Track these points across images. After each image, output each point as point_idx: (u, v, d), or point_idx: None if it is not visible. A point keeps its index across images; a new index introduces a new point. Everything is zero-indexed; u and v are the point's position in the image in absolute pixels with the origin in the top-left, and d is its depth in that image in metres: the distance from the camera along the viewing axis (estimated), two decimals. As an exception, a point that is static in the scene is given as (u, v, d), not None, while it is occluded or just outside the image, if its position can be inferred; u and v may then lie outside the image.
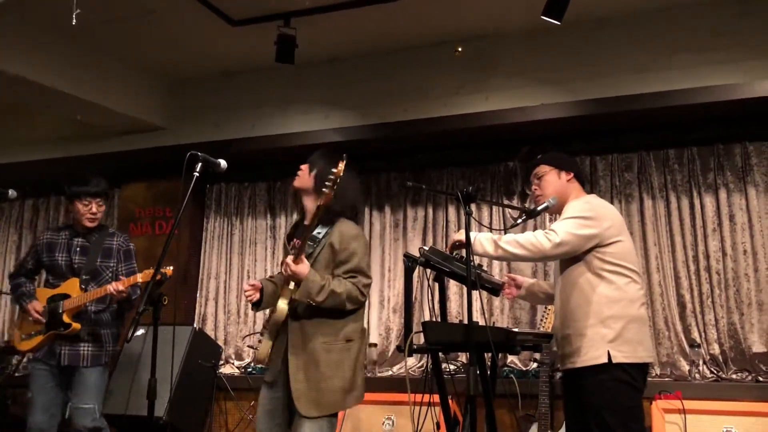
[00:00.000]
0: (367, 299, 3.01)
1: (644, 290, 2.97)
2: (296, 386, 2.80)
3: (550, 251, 2.83)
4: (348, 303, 2.85)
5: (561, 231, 2.83)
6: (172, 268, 3.37)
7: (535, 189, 3.15)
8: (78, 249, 3.71)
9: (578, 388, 2.82)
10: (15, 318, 3.81)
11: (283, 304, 2.82)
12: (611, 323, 2.76)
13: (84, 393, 3.55)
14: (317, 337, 2.83)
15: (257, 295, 2.98)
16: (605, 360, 2.71)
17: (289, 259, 2.78)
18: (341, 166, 2.66)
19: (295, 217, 3.30)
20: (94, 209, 3.69)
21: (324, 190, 2.70)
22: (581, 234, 2.82)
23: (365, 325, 3.05)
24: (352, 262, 2.89)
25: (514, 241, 2.86)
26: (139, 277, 3.46)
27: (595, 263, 2.83)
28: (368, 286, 2.94)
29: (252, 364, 5.15)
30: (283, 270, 2.83)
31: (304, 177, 3.00)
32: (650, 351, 2.90)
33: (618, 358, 2.72)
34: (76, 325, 3.55)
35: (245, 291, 3.01)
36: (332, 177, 2.67)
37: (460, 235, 2.95)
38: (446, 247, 4.84)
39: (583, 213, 2.87)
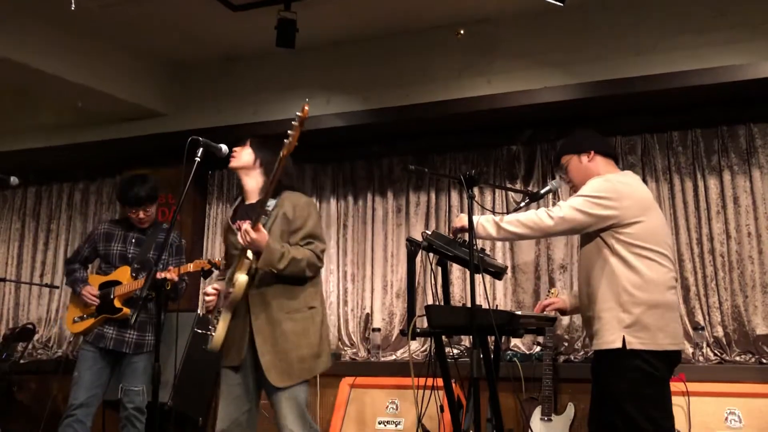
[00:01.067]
0: (324, 265, 3.03)
1: (674, 273, 2.80)
2: (265, 358, 2.79)
3: (553, 228, 2.76)
4: (307, 270, 2.87)
5: (566, 207, 2.76)
6: (220, 259, 3.53)
7: (568, 181, 3.07)
8: (133, 241, 3.94)
9: (598, 371, 2.77)
10: (68, 302, 4.07)
11: (242, 277, 2.79)
12: (630, 308, 2.64)
13: (133, 377, 3.80)
14: (280, 307, 2.83)
15: (214, 302, 2.93)
16: (619, 345, 2.62)
17: (247, 225, 2.75)
18: (307, 108, 2.59)
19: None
20: (141, 215, 3.92)
21: (289, 132, 2.63)
22: (590, 212, 2.72)
23: (324, 295, 3.10)
24: (307, 228, 2.91)
25: (516, 221, 2.81)
26: (190, 267, 3.66)
27: (614, 244, 2.71)
28: (324, 251, 2.95)
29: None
30: (240, 239, 2.78)
31: (242, 156, 3.01)
32: (675, 338, 2.71)
33: (633, 344, 2.61)
34: (126, 310, 3.77)
35: (208, 295, 2.93)
36: (299, 117, 2.59)
37: (461, 221, 2.93)
38: (449, 232, 4.84)
39: (596, 192, 2.76)
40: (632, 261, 2.68)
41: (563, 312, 3.22)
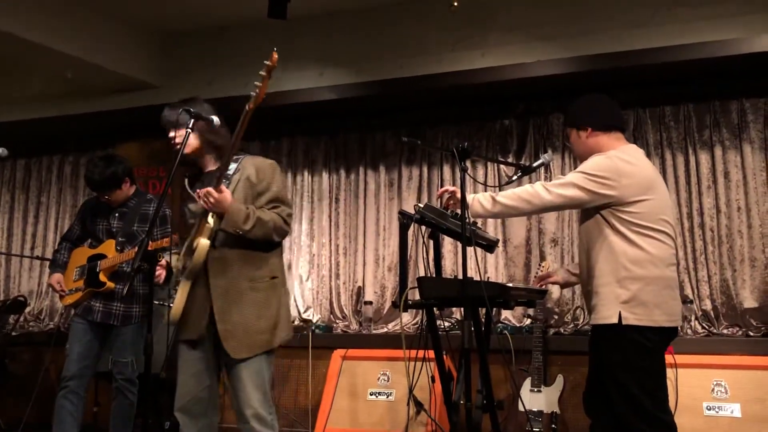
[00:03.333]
0: (290, 232, 2.89)
1: (674, 250, 2.76)
2: (224, 327, 2.63)
3: (551, 202, 2.73)
4: (274, 233, 2.71)
5: (565, 182, 2.73)
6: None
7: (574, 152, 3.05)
8: (116, 215, 3.90)
9: (595, 345, 2.77)
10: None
11: (204, 241, 2.63)
12: (627, 284, 2.63)
13: (123, 348, 3.80)
14: (241, 275, 2.68)
15: (164, 273, 2.89)
16: (615, 321, 2.62)
17: (207, 188, 2.60)
18: (276, 56, 2.44)
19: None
20: (107, 197, 3.87)
21: (256, 84, 2.48)
22: (588, 188, 2.68)
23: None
24: (272, 192, 2.76)
25: (512, 194, 2.78)
26: (164, 242, 3.56)
27: (613, 222, 2.69)
28: (291, 216, 2.80)
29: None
30: (202, 202, 2.62)
31: (189, 141, 2.77)
32: (672, 315, 2.69)
33: (629, 320, 2.61)
34: (111, 284, 3.77)
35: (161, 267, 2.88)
36: (267, 65, 2.45)
37: (453, 187, 2.91)
38: (441, 204, 4.85)
39: (596, 171, 2.70)
40: (632, 237, 2.66)
41: (560, 285, 3.23)
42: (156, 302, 2.91)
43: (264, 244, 2.74)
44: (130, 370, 3.79)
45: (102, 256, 3.83)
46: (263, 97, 2.51)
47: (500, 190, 4.82)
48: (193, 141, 2.81)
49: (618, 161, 2.73)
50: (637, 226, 2.67)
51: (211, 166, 2.87)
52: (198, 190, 2.69)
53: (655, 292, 2.65)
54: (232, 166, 2.77)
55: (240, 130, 2.59)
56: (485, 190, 4.91)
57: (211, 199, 2.59)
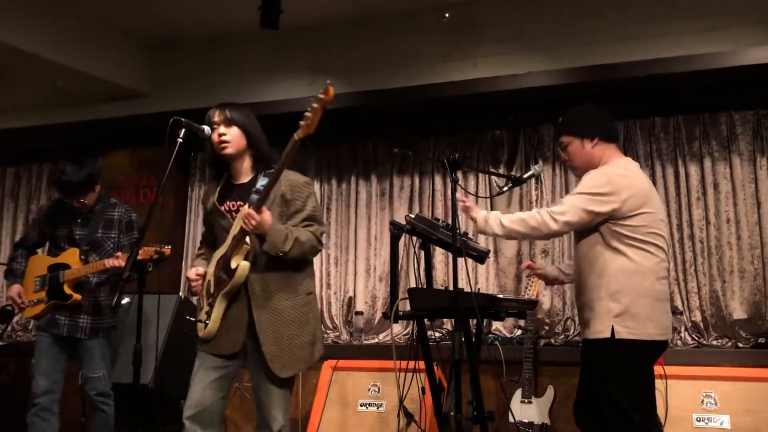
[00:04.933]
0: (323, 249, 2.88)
1: (666, 263, 2.77)
2: (268, 348, 2.65)
3: (557, 231, 2.75)
4: (309, 253, 2.73)
5: (568, 206, 2.72)
6: (170, 247, 3.35)
7: (565, 159, 2.99)
8: (80, 221, 3.71)
9: (588, 359, 2.78)
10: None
11: (244, 263, 2.64)
12: (619, 297, 2.64)
13: (92, 363, 3.67)
14: (281, 295, 2.70)
15: (200, 286, 2.80)
16: (608, 335, 2.62)
17: (248, 209, 2.56)
18: (332, 90, 2.36)
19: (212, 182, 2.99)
20: (76, 205, 3.69)
21: (307, 114, 2.40)
22: (590, 210, 2.69)
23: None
24: (307, 210, 2.74)
25: (519, 219, 2.78)
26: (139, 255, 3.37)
27: (608, 235, 2.70)
28: (323, 234, 2.81)
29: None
30: (243, 223, 2.59)
31: (235, 140, 2.74)
32: (664, 328, 2.72)
33: (622, 333, 2.61)
34: (77, 296, 3.61)
35: (193, 281, 2.78)
36: (322, 99, 2.35)
37: (475, 213, 2.88)
38: (432, 215, 4.85)
39: (596, 189, 2.71)
40: (627, 251, 2.67)
41: (546, 279, 3.15)
42: (190, 318, 2.83)
43: (300, 262, 2.75)
44: (102, 384, 3.68)
45: (64, 266, 3.64)
46: (314, 129, 2.41)
47: (491, 201, 4.88)
48: (240, 140, 2.75)
49: (615, 176, 2.74)
50: (630, 239, 2.68)
51: (243, 177, 2.81)
52: (229, 202, 2.74)
53: (647, 304, 2.65)
54: (266, 181, 2.69)
55: (287, 158, 2.53)
56: (476, 201, 4.93)
57: (253, 222, 2.56)
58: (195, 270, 2.82)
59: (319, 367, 4.73)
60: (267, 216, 2.58)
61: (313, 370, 4.77)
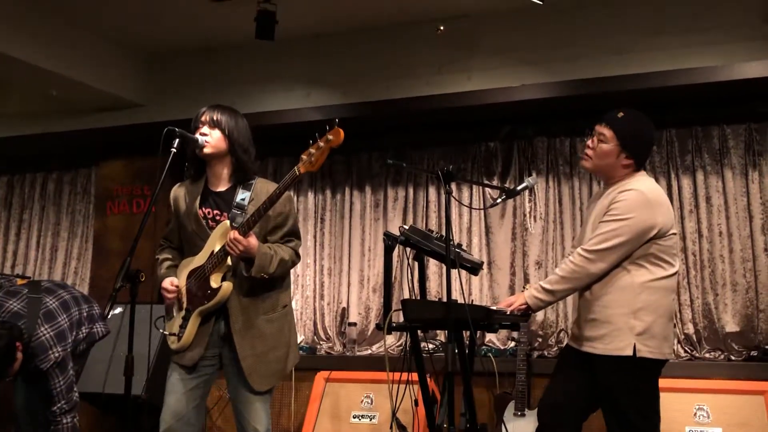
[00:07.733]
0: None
1: (677, 278, 2.77)
2: (247, 363, 2.66)
3: (602, 269, 2.63)
4: (290, 269, 2.77)
5: (610, 241, 2.60)
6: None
7: (588, 146, 2.79)
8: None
9: (593, 371, 2.69)
10: None
11: (227, 284, 2.64)
12: (643, 315, 2.59)
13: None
14: (257, 310, 2.70)
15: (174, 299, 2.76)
16: (629, 353, 2.57)
17: (235, 234, 2.53)
18: (342, 134, 2.34)
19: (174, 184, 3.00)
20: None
21: (312, 151, 2.37)
22: (633, 237, 2.59)
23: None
24: (288, 226, 2.75)
25: (559, 279, 2.69)
26: None
27: (637, 253, 2.62)
28: (299, 246, 2.82)
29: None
30: (229, 248, 2.55)
31: (215, 141, 2.72)
32: (672, 347, 2.74)
33: (643, 352, 2.58)
34: None
35: (170, 292, 2.74)
36: (330, 140, 2.33)
37: (520, 300, 2.79)
38: (426, 227, 4.85)
39: (634, 212, 2.60)
40: (652, 269, 2.63)
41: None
42: (159, 329, 2.78)
43: (279, 278, 2.76)
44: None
45: None
46: (318, 168, 2.38)
47: (485, 213, 4.89)
48: (220, 144, 2.73)
49: (651, 196, 2.66)
50: (657, 258, 2.64)
51: (221, 185, 2.78)
52: (205, 208, 2.73)
53: (664, 324, 2.65)
54: (246, 195, 2.70)
55: (284, 188, 2.52)
56: (470, 213, 4.95)
57: (240, 248, 2.54)
58: (170, 280, 2.76)
59: (312, 378, 4.71)
60: (254, 241, 2.58)
61: (306, 382, 4.76)
